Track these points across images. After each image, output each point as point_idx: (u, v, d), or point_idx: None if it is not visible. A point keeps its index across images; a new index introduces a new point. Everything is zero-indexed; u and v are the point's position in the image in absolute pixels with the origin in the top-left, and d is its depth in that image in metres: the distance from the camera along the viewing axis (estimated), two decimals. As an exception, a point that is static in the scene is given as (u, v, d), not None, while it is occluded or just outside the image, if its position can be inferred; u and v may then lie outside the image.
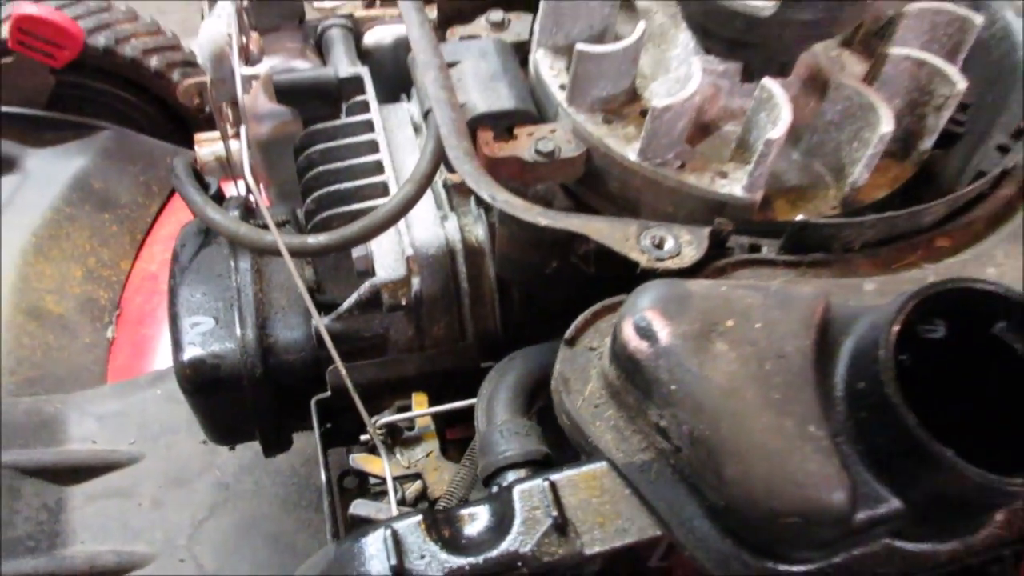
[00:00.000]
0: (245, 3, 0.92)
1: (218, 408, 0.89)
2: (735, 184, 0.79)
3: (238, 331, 0.87)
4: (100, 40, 1.54)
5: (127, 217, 1.46)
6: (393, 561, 0.53)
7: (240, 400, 0.88)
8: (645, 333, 0.57)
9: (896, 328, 0.53)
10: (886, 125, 0.75)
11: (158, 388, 1.18)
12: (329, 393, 0.85)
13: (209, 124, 1.63)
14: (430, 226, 0.87)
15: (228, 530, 1.07)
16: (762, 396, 0.54)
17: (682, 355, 0.55)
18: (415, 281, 0.86)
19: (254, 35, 0.93)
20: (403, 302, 0.86)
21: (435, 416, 0.84)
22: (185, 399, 0.88)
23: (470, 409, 0.82)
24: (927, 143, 0.84)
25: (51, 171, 1.42)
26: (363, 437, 0.83)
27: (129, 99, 1.63)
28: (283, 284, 0.91)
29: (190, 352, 0.85)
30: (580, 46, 0.80)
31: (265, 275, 0.91)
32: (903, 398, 0.52)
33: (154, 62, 1.63)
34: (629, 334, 0.57)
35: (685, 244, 0.71)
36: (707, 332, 0.56)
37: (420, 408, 0.83)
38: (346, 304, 0.87)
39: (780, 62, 0.84)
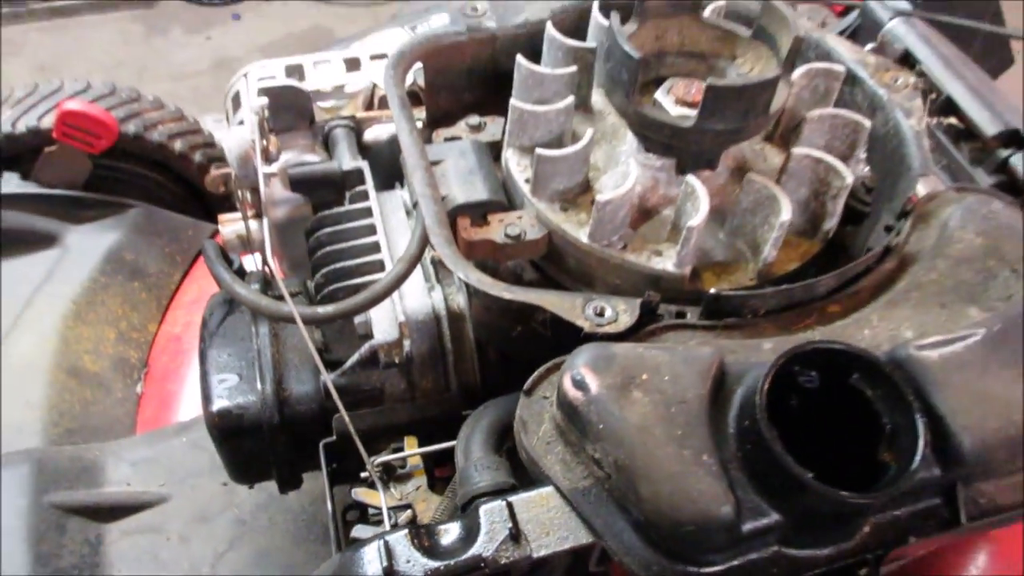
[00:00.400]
0: (265, 112, 1.09)
1: (241, 452, 1.03)
2: (667, 261, 0.95)
3: (259, 386, 1.02)
4: (131, 128, 1.72)
5: (154, 285, 1.62)
6: (385, 564, 0.68)
7: (260, 444, 1.02)
8: (580, 385, 0.72)
9: (768, 380, 0.69)
10: (785, 214, 0.91)
11: (183, 437, 1.32)
12: (335, 438, 1.00)
13: (226, 201, 1.81)
14: (419, 296, 1.03)
15: (246, 561, 1.20)
16: (667, 433, 0.69)
17: (607, 402, 0.71)
18: (407, 343, 1.01)
19: (272, 138, 1.11)
20: (396, 360, 1.01)
21: (424, 456, 0.99)
22: (213, 444, 1.03)
23: (452, 449, 0.97)
24: (829, 224, 1.00)
25: (88, 245, 1.58)
26: (363, 474, 0.98)
27: (156, 179, 1.81)
28: (296, 346, 1.06)
29: (218, 404, 1.00)
30: (539, 151, 0.96)
31: (281, 338, 1.06)
32: (774, 433, 0.68)
33: (178, 145, 1.81)
34: (568, 386, 0.72)
35: (621, 312, 0.86)
36: (627, 384, 0.71)
37: (411, 449, 0.98)
38: (349, 362, 1.03)
39: (706, 159, 1.01)
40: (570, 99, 1.01)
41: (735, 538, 0.69)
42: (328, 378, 0.94)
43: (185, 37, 5.29)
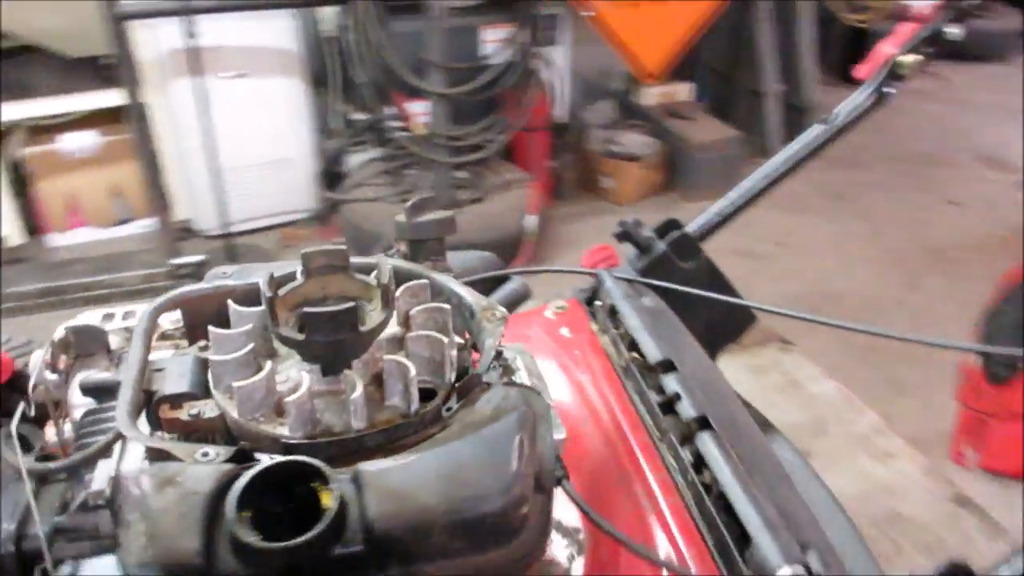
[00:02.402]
0: (71, 338, 1.55)
1: None
2: (285, 429, 1.33)
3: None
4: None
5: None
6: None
7: None
8: (130, 481, 1.08)
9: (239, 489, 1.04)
10: (413, 371, 1.28)
11: None
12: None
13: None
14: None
15: None
16: (179, 515, 1.04)
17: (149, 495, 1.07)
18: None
19: (64, 357, 1.55)
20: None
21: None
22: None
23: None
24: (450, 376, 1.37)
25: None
26: None
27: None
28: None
29: None
30: (212, 357, 1.39)
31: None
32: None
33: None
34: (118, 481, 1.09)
35: (221, 454, 1.23)
36: (164, 484, 1.07)
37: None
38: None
39: (346, 361, 1.40)
40: (251, 345, 1.43)
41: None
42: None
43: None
